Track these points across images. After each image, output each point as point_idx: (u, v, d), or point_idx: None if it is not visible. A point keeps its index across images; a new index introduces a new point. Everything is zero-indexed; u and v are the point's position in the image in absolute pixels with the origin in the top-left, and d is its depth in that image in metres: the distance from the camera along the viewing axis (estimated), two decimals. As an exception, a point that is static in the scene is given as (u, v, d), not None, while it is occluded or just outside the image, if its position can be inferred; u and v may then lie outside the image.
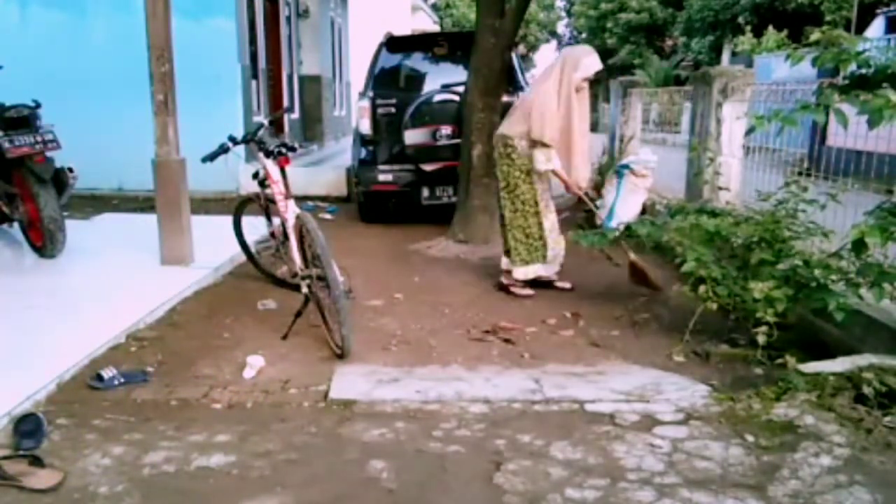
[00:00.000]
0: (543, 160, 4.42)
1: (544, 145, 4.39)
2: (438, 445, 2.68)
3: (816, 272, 3.35)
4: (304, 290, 3.85)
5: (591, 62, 4.43)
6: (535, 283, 4.72)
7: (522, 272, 4.65)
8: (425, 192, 6.71)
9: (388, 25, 9.20)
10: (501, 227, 4.75)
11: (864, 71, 3.10)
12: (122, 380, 3.19)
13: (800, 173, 4.35)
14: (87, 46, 8.46)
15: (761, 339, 3.32)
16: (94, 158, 6.74)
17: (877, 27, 11.17)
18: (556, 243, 4.67)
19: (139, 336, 3.78)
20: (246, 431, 2.78)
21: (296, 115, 12.16)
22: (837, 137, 4.45)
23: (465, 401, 3.05)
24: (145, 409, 2.99)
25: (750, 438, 2.69)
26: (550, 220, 4.64)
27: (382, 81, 7.06)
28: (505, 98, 5.95)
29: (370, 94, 6.93)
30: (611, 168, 7.29)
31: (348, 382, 3.25)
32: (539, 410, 2.97)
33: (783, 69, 10.32)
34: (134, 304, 4.11)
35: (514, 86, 6.55)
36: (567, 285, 4.79)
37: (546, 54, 40.29)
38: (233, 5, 8.74)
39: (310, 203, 7.61)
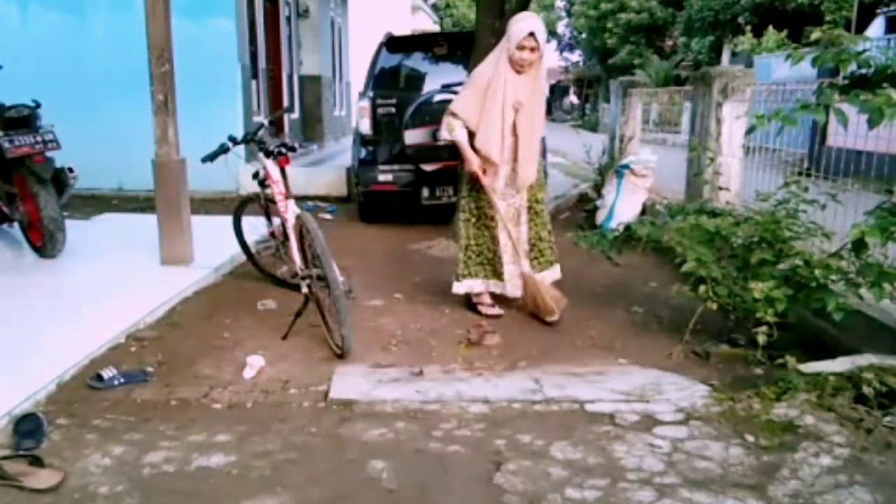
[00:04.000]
0: (444, 129, 4.06)
1: (452, 114, 3.97)
2: (438, 445, 2.68)
3: (816, 272, 3.35)
4: (304, 290, 3.85)
5: (518, 29, 3.78)
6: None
7: (455, 287, 4.22)
8: (425, 192, 6.70)
9: (388, 25, 9.19)
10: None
11: (864, 71, 3.10)
12: (122, 380, 3.19)
13: (800, 173, 4.34)
14: (87, 46, 8.45)
15: (761, 339, 3.32)
16: (94, 158, 6.72)
17: (877, 27, 11.17)
18: (509, 272, 4.12)
19: (139, 336, 3.78)
20: (246, 431, 2.78)
21: (296, 115, 12.17)
22: (837, 137, 4.45)
23: (465, 401, 3.04)
24: (145, 409, 2.99)
25: (750, 438, 2.69)
26: (504, 238, 4.06)
27: (382, 81, 7.06)
28: None
29: (370, 94, 6.93)
30: (611, 168, 7.31)
31: (348, 382, 3.25)
32: (539, 410, 2.97)
33: (783, 69, 10.33)
34: (134, 304, 4.11)
35: None
36: (497, 312, 4.19)
37: (546, 54, 40.20)
38: (233, 5, 8.74)
39: (310, 203, 7.61)
